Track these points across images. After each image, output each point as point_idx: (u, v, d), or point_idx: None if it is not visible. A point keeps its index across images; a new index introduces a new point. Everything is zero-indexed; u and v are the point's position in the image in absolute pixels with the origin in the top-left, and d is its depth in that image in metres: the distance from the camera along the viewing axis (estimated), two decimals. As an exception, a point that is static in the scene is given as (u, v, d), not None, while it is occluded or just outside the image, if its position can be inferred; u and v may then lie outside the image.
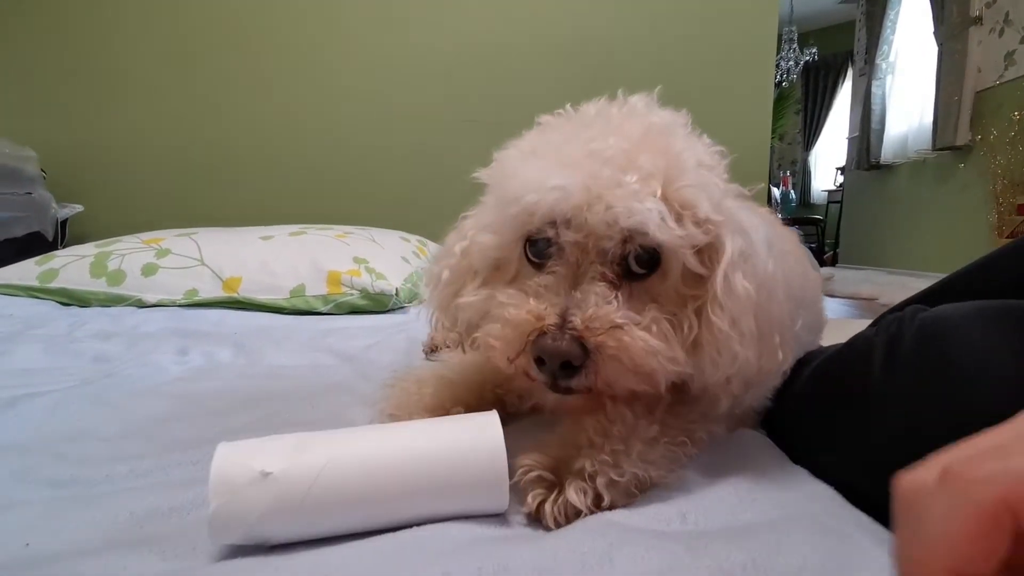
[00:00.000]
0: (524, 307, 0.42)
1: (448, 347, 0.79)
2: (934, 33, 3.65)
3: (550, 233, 0.44)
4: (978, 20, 3.30)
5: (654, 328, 0.41)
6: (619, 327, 0.40)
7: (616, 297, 0.42)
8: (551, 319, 0.40)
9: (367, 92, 2.08)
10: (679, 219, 0.41)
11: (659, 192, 0.41)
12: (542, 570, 0.32)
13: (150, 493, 0.43)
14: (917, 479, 0.18)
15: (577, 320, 0.40)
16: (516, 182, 0.44)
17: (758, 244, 0.45)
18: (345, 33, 2.06)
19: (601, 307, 0.41)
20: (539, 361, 0.41)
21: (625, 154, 0.42)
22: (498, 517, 0.39)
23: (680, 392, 0.47)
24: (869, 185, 4.71)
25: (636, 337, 0.40)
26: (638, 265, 0.43)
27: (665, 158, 0.42)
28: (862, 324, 0.50)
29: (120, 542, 0.37)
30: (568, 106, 0.51)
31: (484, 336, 0.44)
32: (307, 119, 2.09)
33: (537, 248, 0.46)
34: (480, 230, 0.49)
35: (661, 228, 0.40)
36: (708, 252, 0.44)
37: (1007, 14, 3.12)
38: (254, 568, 0.33)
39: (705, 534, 0.36)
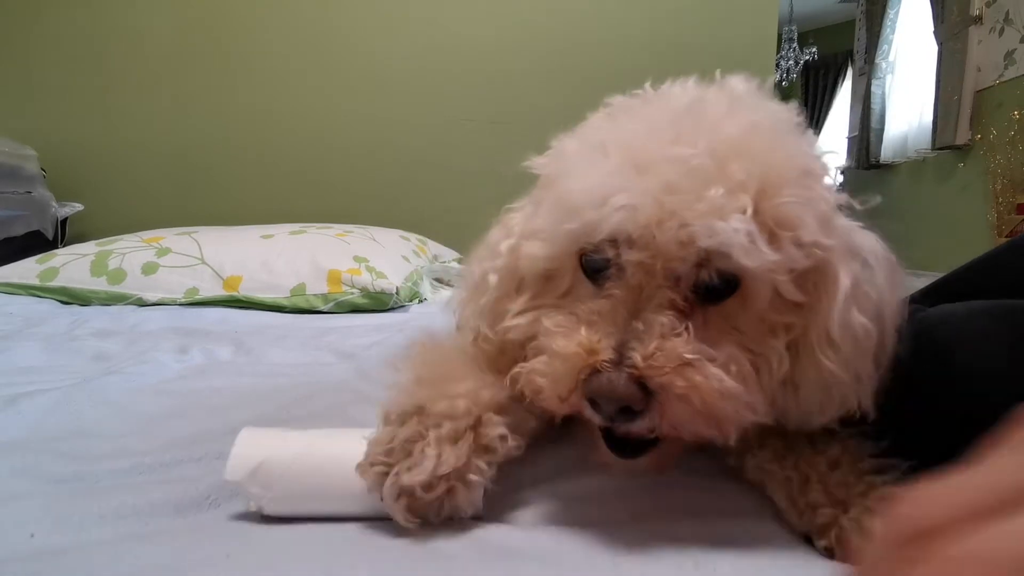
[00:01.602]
0: (574, 338, 0.35)
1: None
2: (934, 32, 3.65)
3: (610, 253, 0.37)
4: (978, 19, 3.31)
5: (732, 367, 0.35)
6: (689, 364, 0.33)
7: (687, 328, 0.35)
8: (606, 354, 0.34)
9: (367, 91, 2.08)
10: (774, 240, 0.34)
11: (750, 208, 0.34)
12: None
13: (154, 488, 0.43)
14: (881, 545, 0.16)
15: (637, 356, 0.33)
16: (575, 188, 0.37)
17: (877, 269, 0.39)
18: (345, 32, 2.05)
19: (668, 339, 0.34)
20: (593, 403, 0.35)
21: (715, 160, 0.35)
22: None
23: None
24: (869, 184, 4.71)
25: (710, 376, 0.33)
26: (714, 289, 0.36)
27: (764, 166, 0.35)
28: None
29: (126, 535, 0.37)
30: (648, 86, 0.43)
31: (528, 372, 0.38)
32: (307, 118, 2.09)
33: (594, 264, 0.39)
34: (530, 235, 0.43)
35: (749, 252, 0.33)
36: (811, 276, 0.37)
37: (1007, 13, 3.12)
38: (257, 563, 0.33)
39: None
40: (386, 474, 0.36)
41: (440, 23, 2.05)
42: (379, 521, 0.38)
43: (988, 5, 3.27)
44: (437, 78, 2.07)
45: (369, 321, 1.16)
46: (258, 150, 2.10)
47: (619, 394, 0.33)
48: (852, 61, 5.24)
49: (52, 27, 2.03)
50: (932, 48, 3.69)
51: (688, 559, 0.33)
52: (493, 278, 0.45)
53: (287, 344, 0.96)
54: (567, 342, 0.36)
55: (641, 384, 0.33)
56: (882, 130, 4.39)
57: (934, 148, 3.66)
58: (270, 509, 0.38)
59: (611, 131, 0.39)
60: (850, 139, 5.01)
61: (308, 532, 0.37)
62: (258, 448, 0.39)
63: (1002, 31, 3.16)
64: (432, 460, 0.35)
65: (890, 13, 4.25)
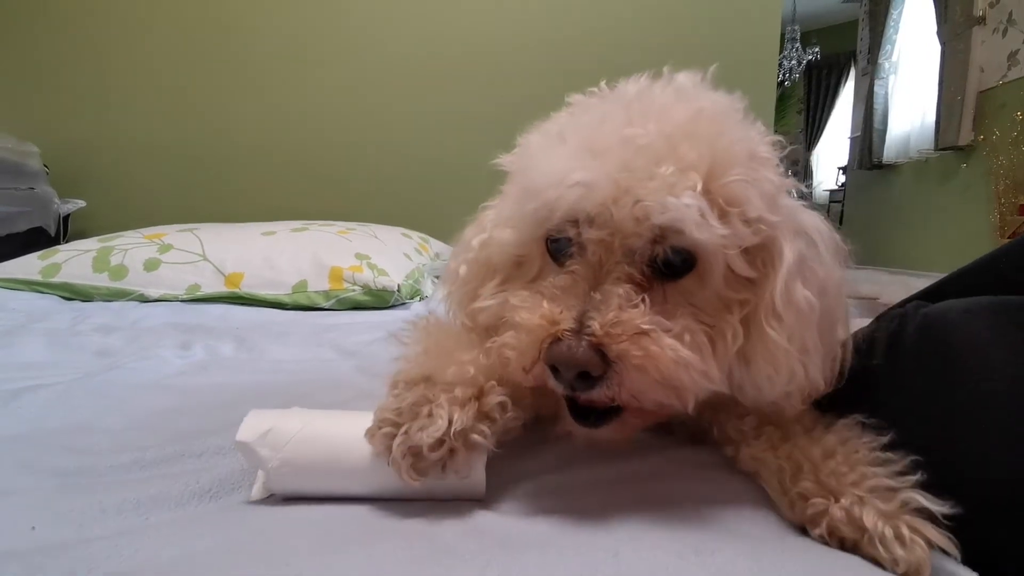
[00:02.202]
0: (537, 311, 0.38)
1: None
2: (937, 33, 3.64)
3: (571, 232, 0.39)
4: (981, 20, 3.29)
5: (686, 337, 0.37)
6: (644, 333, 0.35)
7: (644, 300, 0.37)
8: (567, 323, 0.36)
9: (369, 89, 2.08)
10: (724, 217, 0.37)
11: (699, 186, 0.36)
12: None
13: (154, 483, 0.43)
14: None
15: (596, 325, 0.35)
16: (536, 173, 0.40)
17: (821, 246, 0.41)
18: (350, 30, 2.05)
19: (624, 311, 0.36)
20: (555, 370, 0.37)
21: (666, 141, 0.37)
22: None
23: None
24: (871, 185, 4.70)
25: (665, 346, 0.35)
26: (671, 266, 0.39)
27: (712, 148, 0.37)
28: (862, 324, 0.50)
29: (128, 529, 0.37)
30: (603, 84, 0.46)
31: (498, 346, 0.40)
32: (309, 116, 2.09)
33: (559, 246, 0.42)
34: (500, 225, 0.46)
35: (700, 226, 0.35)
36: (760, 253, 0.39)
37: (1010, 14, 3.11)
38: (262, 560, 0.33)
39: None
40: (395, 435, 0.37)
41: (446, 19, 2.05)
42: (379, 508, 0.39)
43: (992, 6, 3.26)
44: (442, 76, 2.07)
45: (371, 318, 1.16)
46: (261, 148, 2.10)
47: (577, 360, 0.35)
48: (855, 61, 5.23)
49: (55, 24, 2.04)
50: (935, 48, 3.68)
51: (688, 547, 0.33)
52: (464, 269, 0.49)
53: (288, 341, 0.96)
54: (531, 315, 0.38)
55: (600, 352, 0.35)
56: (885, 130, 4.38)
57: (937, 148, 3.65)
58: (276, 478, 0.39)
59: (569, 122, 0.42)
60: (852, 139, 5.00)
61: (308, 523, 0.38)
62: (270, 417, 0.41)
63: (1005, 32, 3.15)
64: (444, 420, 0.37)
65: (893, 13, 4.24)
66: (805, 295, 0.38)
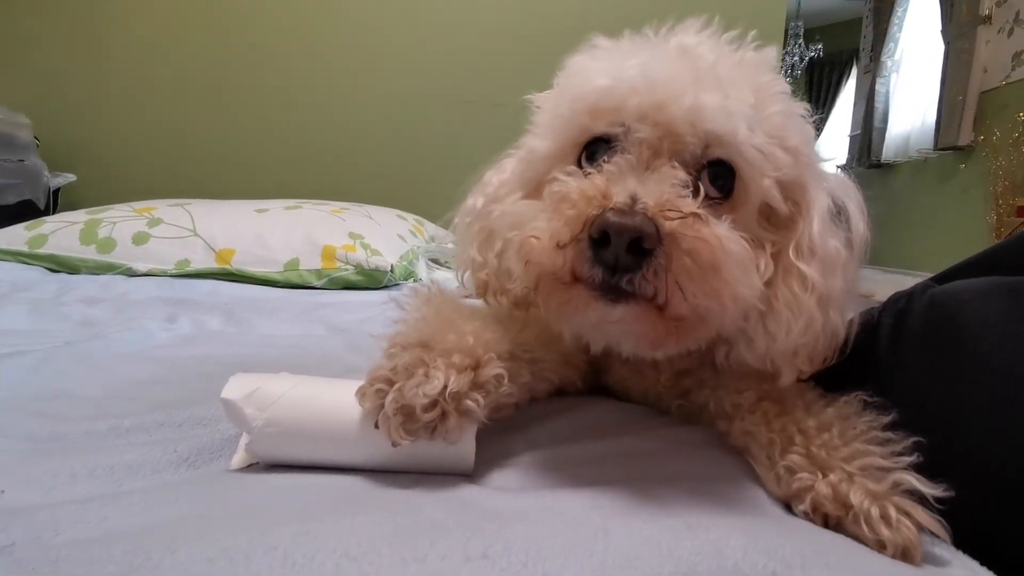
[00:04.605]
0: (591, 182, 0.36)
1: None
2: (942, 31, 3.62)
3: (618, 131, 0.38)
4: (987, 19, 3.28)
5: (736, 236, 0.35)
6: (699, 217, 0.34)
7: (695, 194, 0.36)
8: (620, 197, 0.34)
9: (366, 70, 2.04)
10: (766, 146, 0.37)
11: (752, 109, 0.37)
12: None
13: (130, 450, 0.42)
14: None
15: (650, 202, 0.33)
16: (587, 74, 0.39)
17: (851, 202, 0.42)
18: (346, 9, 2.02)
19: (678, 196, 0.35)
20: (599, 244, 0.33)
21: (725, 67, 0.38)
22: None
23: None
24: (869, 184, 4.68)
25: (719, 233, 0.34)
26: (714, 186, 0.38)
27: (757, 83, 0.39)
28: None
29: (99, 495, 0.36)
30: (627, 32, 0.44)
31: (523, 235, 0.36)
32: (305, 95, 2.05)
33: (596, 151, 0.40)
34: (533, 137, 0.44)
35: (749, 139, 0.36)
36: (793, 194, 0.40)
37: (1017, 13, 3.09)
38: (236, 527, 0.32)
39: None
40: (387, 393, 0.36)
41: (440, 2, 2.02)
42: (363, 479, 0.38)
43: (998, 5, 3.24)
44: (439, 58, 2.04)
45: (363, 298, 1.15)
46: (255, 125, 2.06)
47: (632, 226, 0.32)
48: (857, 59, 5.20)
49: (47, -8, 1.99)
50: (939, 47, 3.66)
51: (680, 521, 0.32)
52: (480, 202, 0.48)
53: (278, 317, 0.94)
54: (580, 186, 0.35)
55: (655, 224, 0.32)
56: (885, 129, 4.37)
57: (936, 149, 3.64)
58: (260, 440, 0.38)
59: (618, 43, 0.42)
60: (852, 137, 4.99)
61: (288, 492, 0.36)
62: (257, 379, 0.40)
63: (1011, 31, 3.13)
64: (440, 381, 0.36)
65: (898, 11, 4.22)
66: (834, 243, 0.38)
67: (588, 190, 0.35)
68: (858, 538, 0.34)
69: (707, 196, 0.37)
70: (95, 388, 0.57)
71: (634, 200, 0.33)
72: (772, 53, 0.43)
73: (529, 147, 0.43)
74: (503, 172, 0.47)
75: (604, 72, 0.38)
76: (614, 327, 0.37)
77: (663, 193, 0.34)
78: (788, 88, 0.41)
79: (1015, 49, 3.10)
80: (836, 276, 0.38)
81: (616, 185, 0.35)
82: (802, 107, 0.41)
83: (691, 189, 0.36)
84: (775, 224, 0.40)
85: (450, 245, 1.71)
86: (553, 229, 0.35)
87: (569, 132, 0.40)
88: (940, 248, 3.71)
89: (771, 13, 2.00)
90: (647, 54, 0.38)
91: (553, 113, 0.42)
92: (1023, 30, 3.06)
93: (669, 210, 0.33)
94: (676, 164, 0.36)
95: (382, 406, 0.36)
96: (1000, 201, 3.09)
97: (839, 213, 0.41)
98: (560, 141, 0.41)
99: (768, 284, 0.38)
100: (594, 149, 0.40)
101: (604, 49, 0.41)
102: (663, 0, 1.96)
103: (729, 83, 0.37)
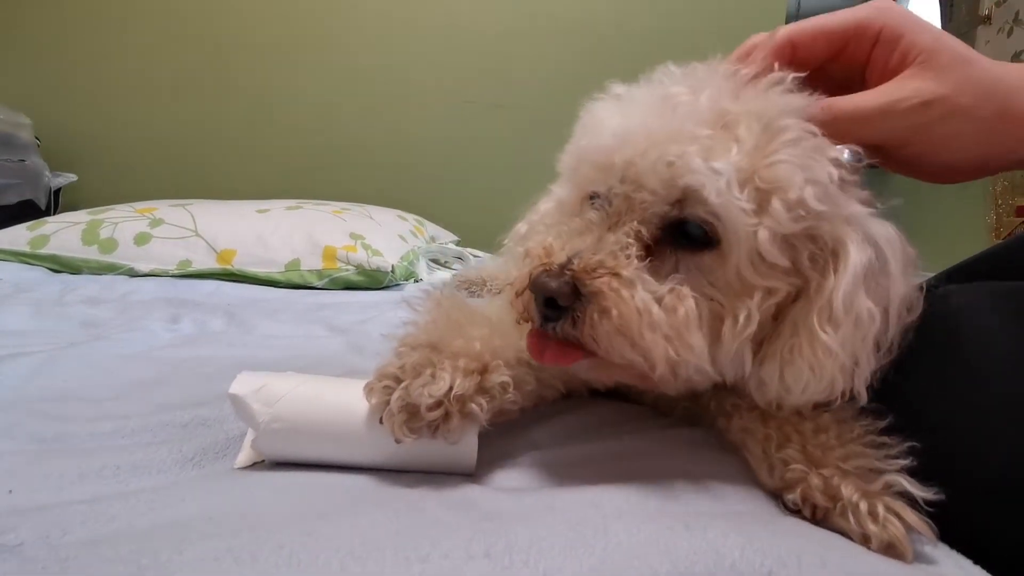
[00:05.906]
0: (543, 243, 0.39)
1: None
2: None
3: (603, 188, 0.40)
4: (987, 19, 3.28)
5: (667, 299, 0.35)
6: (618, 277, 0.35)
7: (641, 256, 0.36)
8: (559, 257, 0.37)
9: (369, 70, 2.05)
10: (763, 198, 0.35)
11: (737, 156, 0.34)
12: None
13: (136, 450, 0.42)
14: None
15: (578, 262, 0.36)
16: (582, 128, 0.42)
17: (891, 260, 0.37)
18: (345, 10, 2.02)
19: (616, 258, 0.36)
20: (535, 299, 0.37)
21: (717, 112, 0.36)
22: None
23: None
24: (868, 184, 4.69)
25: (637, 298, 0.34)
26: (690, 238, 0.37)
27: (763, 124, 0.36)
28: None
29: (106, 495, 0.36)
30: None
31: (510, 277, 0.41)
32: (306, 95, 2.06)
33: (596, 204, 0.41)
34: (556, 187, 0.47)
35: (722, 197, 0.34)
36: (809, 247, 0.37)
37: (1017, 13, 3.09)
38: (242, 527, 0.33)
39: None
40: (394, 390, 0.37)
41: (447, 4, 2.02)
42: (366, 479, 0.38)
43: (998, 5, 3.23)
44: (439, 59, 2.04)
45: (364, 298, 1.15)
46: (255, 127, 2.07)
47: (550, 288, 0.35)
48: (858, 58, 5.20)
49: (48, -8, 1.99)
50: (939, 47, 3.66)
51: (679, 521, 0.33)
52: (524, 228, 0.51)
53: (280, 318, 0.95)
54: (536, 246, 0.39)
55: (575, 288, 0.35)
56: (885, 129, 4.36)
57: (936, 148, 3.64)
58: (266, 436, 0.38)
59: (635, 89, 0.42)
60: (852, 137, 4.98)
61: (292, 491, 0.37)
62: (264, 376, 0.40)
63: (1011, 31, 3.13)
64: (446, 383, 0.36)
65: (898, 10, 4.22)
66: (868, 306, 0.35)
67: (536, 249, 0.39)
68: (844, 532, 0.35)
69: (686, 245, 0.38)
70: (100, 389, 0.58)
71: (569, 260, 0.36)
72: (794, 99, 0.39)
73: (554, 196, 0.47)
74: (550, 202, 0.50)
75: (600, 128, 0.40)
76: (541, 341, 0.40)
77: (601, 255, 0.36)
78: (807, 134, 0.37)
79: (1015, 49, 3.10)
80: (865, 342, 0.36)
81: (571, 243, 0.38)
82: (830, 153, 0.37)
83: (650, 252, 0.37)
84: (775, 271, 0.37)
85: (450, 245, 1.72)
86: (517, 279, 0.39)
87: (576, 183, 0.44)
88: (940, 248, 3.69)
89: (771, 13, 2.01)
90: (635, 107, 0.39)
91: (566, 163, 0.45)
92: (1023, 30, 3.06)
93: (598, 269, 0.36)
94: (640, 220, 0.38)
95: (388, 402, 0.37)
96: (999, 201, 3.09)
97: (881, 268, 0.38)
98: (572, 192, 0.45)
99: (791, 336, 0.37)
100: (592, 201, 0.42)
101: (612, 98, 0.42)
102: (663, 3, 1.99)
103: (711, 135, 0.35)
